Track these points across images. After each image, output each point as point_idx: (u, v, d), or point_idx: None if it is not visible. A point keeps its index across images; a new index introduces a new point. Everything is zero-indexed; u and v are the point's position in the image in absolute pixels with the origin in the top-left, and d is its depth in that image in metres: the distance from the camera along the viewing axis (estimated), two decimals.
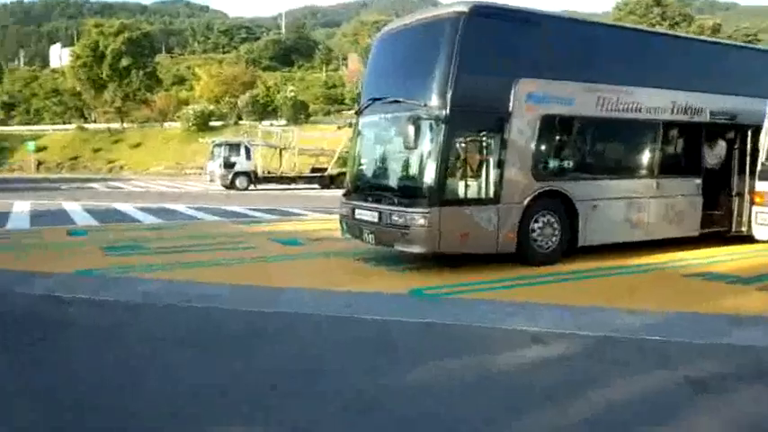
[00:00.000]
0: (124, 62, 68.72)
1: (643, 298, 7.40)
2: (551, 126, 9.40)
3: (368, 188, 9.70)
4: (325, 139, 38.98)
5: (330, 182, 33.85)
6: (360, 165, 10.36)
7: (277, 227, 14.79)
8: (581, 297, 7.43)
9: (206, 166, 35.36)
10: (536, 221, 9.27)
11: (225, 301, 7.20)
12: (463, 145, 8.70)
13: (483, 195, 8.85)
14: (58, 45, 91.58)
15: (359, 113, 10.27)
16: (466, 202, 8.73)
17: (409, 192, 8.77)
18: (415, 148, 8.43)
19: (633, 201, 10.27)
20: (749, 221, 11.17)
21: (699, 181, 10.98)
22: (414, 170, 8.86)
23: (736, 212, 11.53)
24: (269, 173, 33.50)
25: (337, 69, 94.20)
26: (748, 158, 11.41)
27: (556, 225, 9.45)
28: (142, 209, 19.84)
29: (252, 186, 32.40)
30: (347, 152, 35.38)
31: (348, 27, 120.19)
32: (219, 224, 15.76)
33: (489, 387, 4.63)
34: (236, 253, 10.65)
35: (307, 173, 34.87)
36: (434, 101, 8.51)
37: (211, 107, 66.84)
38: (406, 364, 5.12)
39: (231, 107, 68.46)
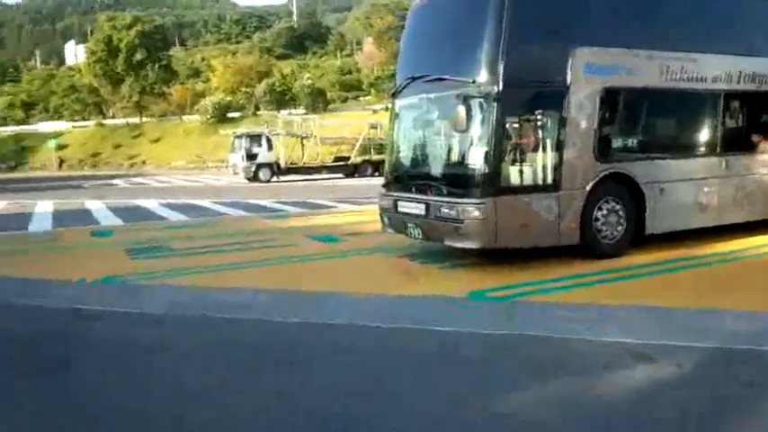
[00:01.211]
0: (139, 56, 68.38)
1: (740, 295, 6.47)
2: (613, 100, 8.45)
3: (411, 178, 8.86)
4: (346, 127, 38.18)
5: (354, 170, 33.16)
6: (400, 152, 9.53)
7: (309, 221, 14.06)
8: (668, 296, 6.53)
9: (228, 158, 34.77)
10: (599, 209, 8.35)
11: (265, 311, 6.46)
12: (518, 125, 7.82)
13: (542, 181, 7.98)
14: (72, 42, 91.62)
15: (395, 95, 9.40)
16: (523, 189, 7.87)
17: (460, 180, 7.95)
18: (465, 130, 7.60)
19: (701, 182, 9.28)
20: None
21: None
22: (464, 156, 8.02)
23: None
24: (292, 163, 32.85)
25: (351, 55, 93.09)
26: None
27: (621, 212, 8.53)
28: (167, 205, 19.26)
29: (275, 178, 31.75)
30: (369, 139, 35.14)
31: (359, 11, 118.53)
32: (248, 220, 15.07)
33: (597, 422, 3.82)
34: (269, 252, 9.92)
35: (329, 162, 34.11)
36: (484, 76, 7.63)
37: (228, 98, 66.30)
38: (490, 389, 4.33)
39: (248, 97, 67.86)
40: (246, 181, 31.40)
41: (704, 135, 9.48)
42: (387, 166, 9.66)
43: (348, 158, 33.94)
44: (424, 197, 8.24)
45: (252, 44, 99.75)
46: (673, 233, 8.94)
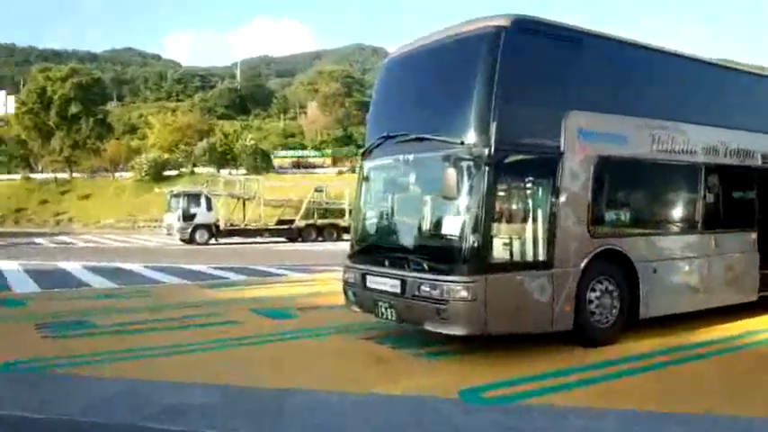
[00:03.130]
0: (73, 109, 66.10)
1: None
2: (606, 170, 7.66)
3: (384, 249, 7.74)
4: (291, 189, 37.06)
5: (298, 234, 31.88)
6: (370, 219, 8.42)
7: (255, 292, 12.59)
8: (687, 398, 5.58)
9: (163, 218, 32.86)
10: (593, 290, 7.47)
11: (215, 417, 5.08)
12: (510, 193, 6.97)
13: (534, 258, 7.03)
14: (2, 92, 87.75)
15: (365, 155, 8.39)
16: (516, 266, 6.89)
17: (444, 254, 6.88)
18: (455, 197, 6.61)
19: (692, 261, 8.58)
20: None
21: (755, 235, 9.43)
22: (449, 226, 6.95)
23: None
24: (232, 225, 31.23)
25: (295, 118, 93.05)
26: None
27: (615, 294, 7.66)
28: (92, 269, 17.38)
29: (213, 240, 30.06)
30: (315, 203, 34.04)
31: (304, 76, 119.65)
32: (185, 289, 13.47)
33: None
34: (213, 331, 8.49)
35: (272, 225, 32.69)
36: (474, 137, 6.71)
37: (166, 156, 64.26)
38: None
39: (187, 156, 66.03)
40: (182, 242, 29.58)
41: (692, 211, 8.80)
42: (353, 233, 8.51)
43: (292, 222, 32.67)
44: (400, 272, 7.13)
45: (193, 103, 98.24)
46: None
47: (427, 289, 6.72)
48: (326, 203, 35.56)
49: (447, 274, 6.62)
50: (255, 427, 4.95)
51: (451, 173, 6.49)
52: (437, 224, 7.24)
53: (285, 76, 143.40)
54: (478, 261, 6.56)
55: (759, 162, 9.55)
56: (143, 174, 60.57)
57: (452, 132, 6.86)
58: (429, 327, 6.84)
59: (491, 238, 6.64)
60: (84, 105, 67.07)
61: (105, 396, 5.64)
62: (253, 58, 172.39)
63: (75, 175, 68.69)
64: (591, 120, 7.47)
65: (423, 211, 7.56)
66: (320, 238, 32.28)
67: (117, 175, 66.77)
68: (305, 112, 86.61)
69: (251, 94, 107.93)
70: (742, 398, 5.66)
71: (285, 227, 32.45)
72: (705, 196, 8.86)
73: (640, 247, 7.93)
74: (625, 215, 8.17)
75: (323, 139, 79.91)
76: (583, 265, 7.26)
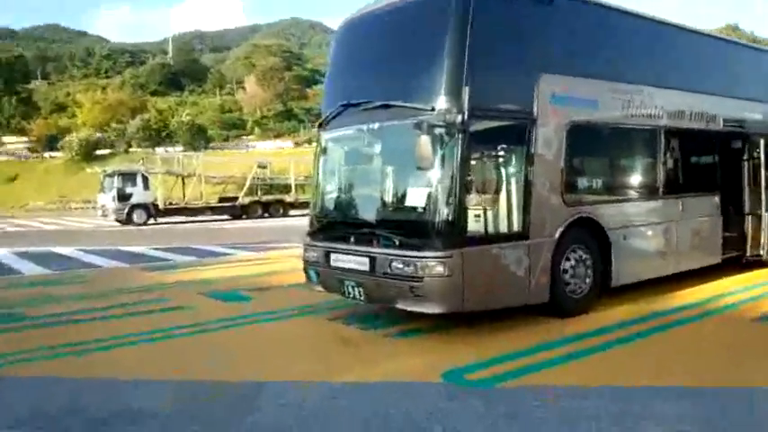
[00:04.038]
0: None
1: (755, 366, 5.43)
2: (579, 135, 7.31)
3: (349, 225, 7.16)
4: (233, 165, 35.85)
5: (242, 212, 30.90)
6: (331, 194, 7.80)
7: (202, 273, 11.80)
8: (675, 369, 5.35)
9: (97, 199, 31.18)
10: (567, 259, 7.17)
11: (169, 423, 4.47)
12: (484, 162, 6.51)
13: (510, 229, 6.64)
14: None
15: (322, 126, 7.75)
16: (491, 238, 6.47)
17: (417, 228, 6.38)
18: (428, 167, 6.10)
19: (661, 226, 8.46)
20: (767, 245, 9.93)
21: (717, 199, 9.39)
22: (421, 198, 6.43)
23: (751, 234, 9.99)
24: (171, 204, 29.91)
25: (231, 93, 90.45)
26: (763, 172, 10.03)
27: (588, 262, 7.40)
28: (21, 254, 16.13)
29: (152, 220, 28.74)
30: (259, 179, 33.01)
31: (240, 51, 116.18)
32: (125, 273, 12.55)
33: None
34: (160, 319, 7.77)
35: (214, 203, 31.53)
36: (445, 102, 6.19)
37: (98, 135, 61.37)
38: None
39: (119, 134, 63.26)
40: (118, 224, 28.17)
41: (659, 175, 8.60)
42: (313, 209, 7.88)
43: (235, 199, 31.60)
44: (368, 249, 6.59)
45: (123, 80, 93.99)
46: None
47: (399, 266, 6.23)
48: (271, 179, 34.59)
49: (420, 250, 6.14)
50: (226, 425, 4.35)
51: (425, 141, 5.96)
52: (407, 196, 6.71)
53: (219, 51, 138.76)
54: (454, 234, 6.11)
55: (721, 126, 9.50)
56: (74, 153, 57.73)
57: (421, 98, 6.33)
58: (402, 305, 6.36)
59: (466, 209, 6.18)
60: (6, 83, 63.16)
61: (37, 401, 4.93)
62: (185, 33, 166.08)
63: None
64: (563, 83, 7.10)
65: (390, 183, 7.05)
66: (266, 215, 31.42)
67: (46, 155, 63.35)
68: (243, 87, 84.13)
69: (184, 69, 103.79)
70: (731, 367, 5.43)
71: (228, 204, 31.38)
72: (673, 160, 8.84)
73: (612, 214, 7.72)
74: (597, 182, 7.92)
75: (263, 114, 77.88)
76: (557, 234, 6.96)
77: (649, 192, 8.39)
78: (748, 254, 9.91)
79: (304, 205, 32.25)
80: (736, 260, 9.79)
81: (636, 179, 8.42)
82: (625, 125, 8.03)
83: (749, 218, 9.94)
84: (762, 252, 10.01)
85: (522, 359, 5.65)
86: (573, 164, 7.36)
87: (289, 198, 32.97)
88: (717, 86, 9.37)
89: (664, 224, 8.45)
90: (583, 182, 7.68)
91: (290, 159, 35.91)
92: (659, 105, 8.34)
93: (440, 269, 6.01)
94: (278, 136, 68.56)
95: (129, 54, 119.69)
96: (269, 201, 32.43)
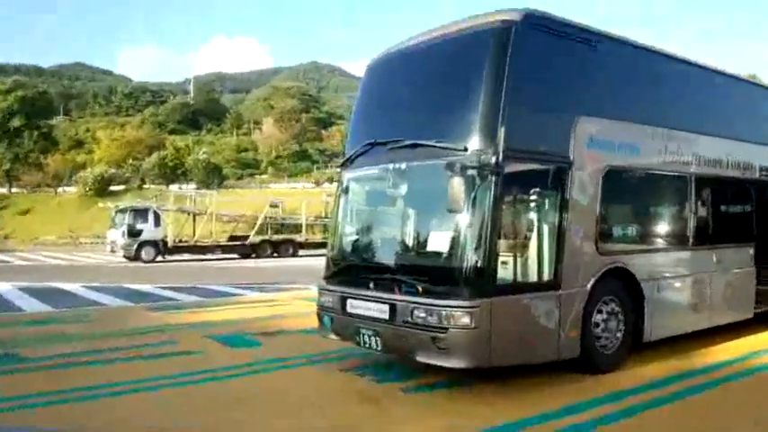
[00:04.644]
0: (16, 122, 62.90)
1: None
2: (615, 181, 6.95)
3: (368, 270, 6.76)
4: (244, 203, 35.70)
5: (252, 251, 30.56)
6: (351, 235, 7.42)
7: (209, 315, 11.35)
8: None
9: (107, 234, 31.01)
10: (599, 312, 6.71)
11: None
12: (517, 206, 6.14)
13: (541, 278, 6.22)
14: None
15: (345, 165, 7.42)
16: (521, 288, 6.04)
17: (442, 275, 5.96)
18: (460, 210, 5.71)
19: (695, 278, 8.01)
20: None
21: (752, 250, 8.93)
22: (448, 243, 6.02)
23: None
24: (181, 241, 29.65)
25: (248, 134, 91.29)
26: None
27: (620, 316, 6.93)
28: (26, 290, 15.76)
29: (160, 257, 28.44)
30: (271, 218, 32.78)
31: (259, 92, 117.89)
32: (130, 312, 12.13)
33: None
34: (166, 364, 7.33)
35: (224, 241, 31.25)
36: (479, 143, 5.86)
37: (112, 170, 61.77)
38: None
39: (135, 170, 63.63)
40: (126, 260, 27.89)
41: (693, 225, 8.17)
42: (330, 251, 7.47)
43: (246, 237, 31.32)
44: (389, 296, 6.16)
45: (143, 118, 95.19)
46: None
47: (422, 314, 5.79)
48: (282, 219, 34.36)
49: (446, 298, 5.71)
50: None
51: (458, 182, 5.60)
52: (433, 241, 6.32)
53: (239, 92, 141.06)
54: (482, 282, 5.68)
55: (757, 174, 9.14)
56: (87, 189, 58.00)
57: (454, 137, 5.99)
58: (422, 358, 5.90)
59: (496, 255, 5.77)
60: (29, 119, 64.06)
61: None
62: (207, 74, 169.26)
63: (15, 190, 65.32)
64: (601, 127, 6.78)
65: (415, 226, 6.67)
66: (275, 254, 31.04)
67: (60, 190, 63.71)
68: (260, 128, 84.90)
69: (204, 109, 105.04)
70: None
71: (238, 243, 31.06)
72: (708, 209, 8.50)
73: (645, 265, 7.30)
74: (631, 230, 7.50)
75: (278, 153, 78.34)
76: (590, 285, 6.52)
77: (684, 241, 7.95)
78: None
79: (314, 245, 31.95)
80: (766, 315, 9.28)
81: (670, 228, 7.99)
82: (662, 172, 7.72)
83: None
84: None
85: (554, 422, 5.17)
86: (608, 211, 6.96)
87: (299, 238, 32.66)
88: (753, 134, 9.06)
89: (698, 276, 8.02)
90: (617, 230, 7.27)
91: (302, 199, 35.70)
92: (697, 152, 8.03)
93: (466, 320, 5.57)
94: (291, 176, 68.75)
95: (151, 93, 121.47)
96: (279, 240, 32.10)
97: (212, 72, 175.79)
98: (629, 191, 7.51)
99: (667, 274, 7.60)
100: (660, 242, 7.79)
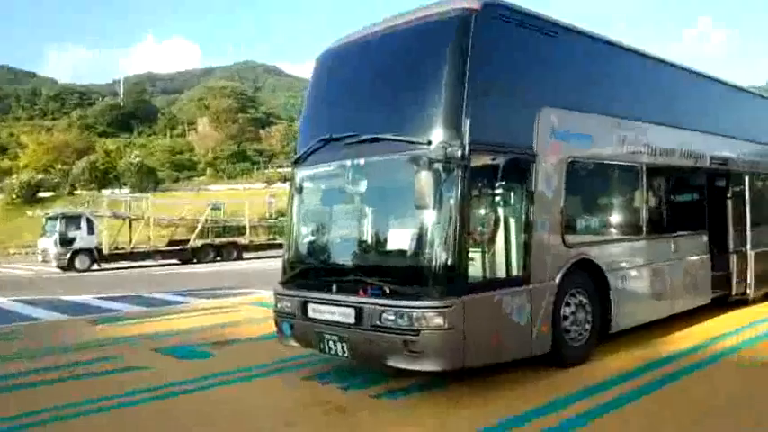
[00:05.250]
0: None
1: None
2: (577, 172, 6.87)
3: (330, 271, 6.41)
4: (183, 208, 34.51)
5: (193, 255, 29.54)
6: (309, 236, 7.03)
7: (156, 325, 10.66)
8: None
9: (37, 243, 29.36)
10: (567, 305, 6.58)
11: None
12: (483, 200, 5.91)
13: (510, 273, 6.02)
14: None
15: (298, 162, 7.02)
16: (493, 284, 5.81)
17: (411, 274, 5.67)
18: (427, 206, 5.42)
19: (656, 267, 8.04)
20: (753, 283, 9.78)
21: (706, 237, 9.06)
22: (415, 241, 5.74)
23: (736, 273, 9.68)
24: (116, 248, 28.38)
25: (183, 135, 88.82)
26: (748, 209, 9.83)
27: (588, 307, 6.83)
28: None
29: (96, 266, 27.13)
30: (212, 221, 31.81)
31: (192, 93, 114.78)
32: (67, 325, 11.33)
33: None
34: (111, 383, 6.76)
35: (163, 246, 30.09)
36: (443, 135, 5.58)
37: (40, 176, 58.89)
38: None
39: (64, 176, 60.88)
40: (59, 270, 26.48)
41: (652, 214, 8.29)
42: (286, 254, 7.03)
43: (186, 242, 30.25)
44: (354, 299, 5.81)
45: (70, 121, 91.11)
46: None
47: (391, 317, 5.48)
48: (224, 221, 33.41)
49: (416, 299, 5.43)
50: None
51: (425, 177, 5.32)
52: (399, 239, 6.01)
53: (171, 93, 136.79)
54: (454, 281, 5.43)
55: (708, 163, 9.27)
56: (14, 196, 55.12)
57: (416, 131, 5.70)
58: (393, 363, 5.59)
59: (467, 252, 5.52)
60: None
61: None
62: (137, 75, 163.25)
63: None
64: (563, 118, 6.64)
65: (378, 224, 6.37)
66: (218, 258, 30.13)
67: None
68: (195, 129, 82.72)
69: (135, 111, 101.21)
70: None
71: (178, 248, 29.96)
72: (666, 199, 8.61)
73: (610, 255, 7.28)
74: (595, 221, 7.50)
75: (216, 154, 76.48)
76: (558, 278, 6.38)
77: (645, 231, 7.94)
78: (734, 292, 9.61)
79: (259, 248, 31.25)
80: (721, 300, 9.44)
81: (631, 218, 7.97)
82: (621, 162, 7.70)
83: (734, 256, 9.66)
84: (748, 291, 9.74)
85: (535, 421, 4.97)
86: (572, 203, 6.83)
87: (243, 240, 31.83)
88: (705, 124, 9.19)
89: (659, 264, 8.05)
90: (581, 221, 7.20)
91: (243, 201, 34.82)
92: (655, 143, 8.06)
93: (438, 321, 5.30)
94: (231, 178, 67.24)
95: (79, 95, 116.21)
96: (222, 243, 31.17)
97: (142, 73, 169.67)
98: (591, 182, 7.45)
99: (630, 264, 7.59)
100: (622, 232, 7.76)
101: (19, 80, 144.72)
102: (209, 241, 30.90)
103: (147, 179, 58.55)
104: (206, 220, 31.37)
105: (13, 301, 15.36)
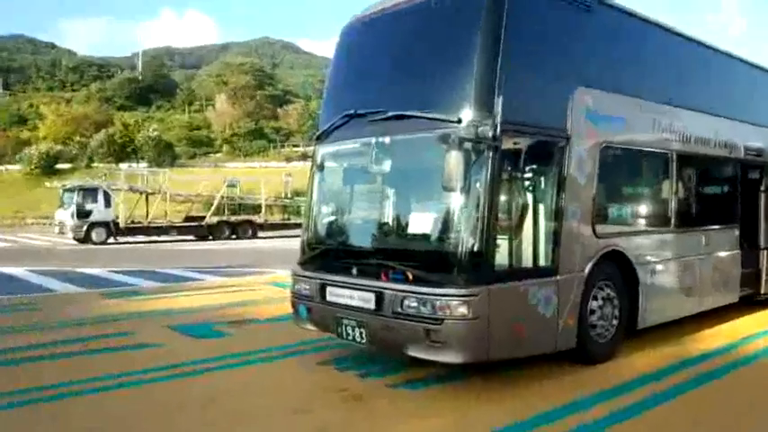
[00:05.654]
0: None
1: None
2: (610, 158, 6.57)
3: (351, 254, 6.21)
4: (199, 183, 34.47)
5: (208, 232, 29.54)
6: (330, 216, 6.83)
7: (171, 302, 10.58)
8: None
9: (54, 215, 29.49)
10: (594, 298, 6.33)
11: None
12: (514, 184, 5.63)
13: (538, 263, 5.77)
14: None
15: (321, 139, 6.80)
16: (520, 274, 5.58)
17: (436, 260, 5.46)
18: (456, 188, 5.18)
19: (686, 261, 7.73)
20: None
21: (738, 232, 8.74)
22: (441, 224, 5.53)
23: (766, 270, 9.34)
24: (133, 222, 28.43)
25: (200, 110, 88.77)
26: None
27: (615, 302, 6.58)
28: None
29: (112, 239, 27.21)
30: (228, 198, 31.74)
31: (211, 68, 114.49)
32: (83, 298, 11.28)
33: None
34: (125, 360, 6.65)
35: (179, 222, 30.12)
36: (473, 113, 5.32)
37: (58, 147, 59.18)
38: None
39: (82, 148, 61.14)
40: (76, 242, 26.59)
41: (684, 205, 7.96)
42: (305, 234, 6.84)
43: (202, 218, 30.25)
44: (375, 283, 5.62)
45: (89, 93, 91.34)
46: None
47: (413, 304, 5.28)
48: (240, 199, 33.34)
49: (440, 286, 5.20)
50: None
51: (455, 157, 5.07)
52: (424, 222, 5.78)
53: (190, 68, 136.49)
54: (480, 268, 5.20)
55: (742, 154, 8.90)
56: (32, 167, 55.48)
57: (444, 108, 5.44)
58: (413, 353, 5.39)
59: (495, 238, 5.29)
60: None
61: None
62: (156, 48, 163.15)
63: None
64: (599, 99, 6.32)
65: (403, 205, 6.13)
66: (233, 236, 30.11)
67: (2, 168, 60.78)
68: (212, 105, 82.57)
69: (153, 85, 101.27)
70: None
71: (194, 224, 29.98)
72: (696, 189, 8.28)
73: (640, 248, 6.96)
74: (626, 211, 7.18)
75: (233, 131, 76.39)
76: (587, 269, 6.12)
77: (676, 223, 7.61)
78: (763, 291, 9.27)
79: (274, 227, 31.17)
80: (749, 298, 9.13)
81: (663, 208, 7.63)
82: (656, 149, 7.36)
83: (765, 252, 9.31)
84: None
85: (563, 420, 4.75)
86: (603, 190, 6.54)
87: (258, 219, 31.77)
88: (740, 112, 8.80)
89: (689, 259, 7.73)
90: (612, 210, 6.90)
91: (260, 179, 34.70)
92: (691, 130, 7.74)
93: (463, 310, 5.08)
94: (247, 155, 67.16)
95: (98, 68, 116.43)
96: (237, 221, 31.13)
97: (161, 47, 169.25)
98: (623, 169, 7.15)
99: (660, 257, 7.29)
100: (653, 223, 7.44)
101: (38, 51, 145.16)
102: (224, 218, 30.86)
103: (165, 154, 58.64)
104: (222, 197, 31.29)
105: (28, 271, 15.38)
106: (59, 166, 57.18)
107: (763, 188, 9.42)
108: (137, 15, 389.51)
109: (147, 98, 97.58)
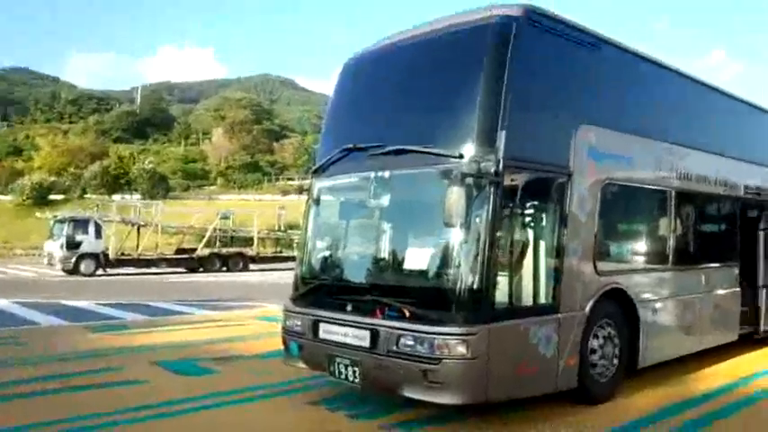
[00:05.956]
0: None
1: None
2: (612, 195, 6.48)
3: (346, 290, 6.02)
4: (192, 215, 34.26)
5: (199, 264, 29.20)
6: (325, 251, 6.65)
7: (157, 336, 10.27)
8: None
9: (44, 246, 29.12)
10: (595, 337, 6.14)
11: None
12: (514, 221, 5.49)
13: (538, 301, 5.61)
14: None
15: (318, 173, 6.66)
16: (520, 312, 5.41)
17: (434, 297, 5.28)
18: (457, 224, 5.04)
19: (686, 299, 7.60)
20: None
21: (737, 270, 8.62)
22: (440, 261, 5.36)
23: (765, 309, 9.20)
24: (123, 254, 28.09)
25: (197, 144, 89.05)
26: None
27: (616, 340, 6.40)
28: None
29: (101, 271, 26.83)
30: (221, 230, 31.54)
31: (209, 102, 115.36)
32: (67, 332, 10.95)
33: None
34: (107, 398, 6.36)
35: (170, 254, 29.79)
36: (476, 149, 5.22)
37: (52, 179, 58.96)
38: None
39: (75, 179, 60.95)
40: (64, 273, 26.19)
41: (684, 243, 7.87)
42: (299, 268, 6.66)
43: (193, 250, 29.93)
44: (370, 320, 5.42)
45: (87, 125, 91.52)
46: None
47: (410, 342, 5.07)
48: (233, 231, 33.11)
49: (438, 324, 5.01)
50: None
51: (456, 193, 4.96)
52: (422, 258, 5.59)
53: (189, 102, 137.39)
54: (480, 306, 5.03)
55: (742, 192, 8.84)
56: (25, 197, 55.15)
57: (446, 143, 5.34)
58: (409, 393, 5.16)
59: (495, 276, 5.12)
60: None
61: None
62: (155, 83, 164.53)
63: None
64: (602, 137, 6.25)
65: (401, 241, 5.96)
66: (224, 269, 29.77)
67: None
68: (209, 138, 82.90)
69: (150, 118, 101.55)
70: None
71: (185, 256, 29.62)
72: (697, 227, 8.18)
73: (641, 286, 6.83)
74: (627, 248, 7.06)
75: (228, 164, 76.51)
76: (588, 307, 5.95)
77: (677, 261, 7.48)
78: (762, 329, 9.12)
79: (265, 260, 30.87)
80: (747, 336, 8.97)
81: (664, 246, 7.50)
82: (657, 187, 7.28)
83: (764, 291, 9.17)
84: None
85: None
86: (605, 227, 6.42)
87: (250, 252, 31.48)
88: (741, 151, 8.81)
89: (689, 297, 7.61)
90: (614, 248, 6.79)
91: (253, 211, 34.53)
92: (693, 169, 7.72)
93: (462, 349, 4.89)
94: (242, 188, 67.13)
95: (97, 101, 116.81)
96: (229, 254, 30.82)
97: (161, 81, 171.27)
98: (624, 207, 7.05)
99: (661, 295, 7.15)
100: (654, 261, 7.31)
101: (41, 84, 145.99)
102: (216, 251, 30.58)
103: (159, 186, 58.48)
104: (214, 229, 31.06)
105: (14, 303, 15.03)
106: (52, 196, 56.88)
107: (761, 226, 9.33)
108: (140, 50, 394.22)
109: (144, 131, 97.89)
